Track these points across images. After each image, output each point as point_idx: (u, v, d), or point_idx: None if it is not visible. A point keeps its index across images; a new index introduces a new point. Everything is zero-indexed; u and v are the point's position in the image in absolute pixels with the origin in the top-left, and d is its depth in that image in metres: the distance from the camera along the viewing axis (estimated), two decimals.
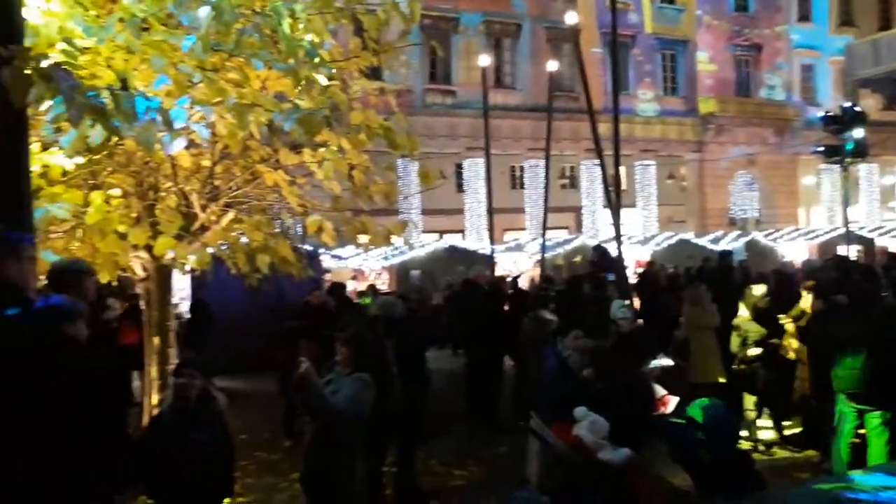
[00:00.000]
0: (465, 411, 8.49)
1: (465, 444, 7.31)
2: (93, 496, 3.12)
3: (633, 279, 12.42)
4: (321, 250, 13.17)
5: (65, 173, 4.76)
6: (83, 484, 3.00)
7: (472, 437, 7.60)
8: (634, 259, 17.83)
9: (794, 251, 21.19)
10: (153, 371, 5.60)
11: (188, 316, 10.65)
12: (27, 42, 3.54)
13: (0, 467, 2.78)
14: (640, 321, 7.49)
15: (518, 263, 18.12)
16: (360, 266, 16.59)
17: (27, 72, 2.89)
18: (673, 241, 19.71)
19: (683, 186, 31.16)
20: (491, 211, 17.34)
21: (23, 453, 2.80)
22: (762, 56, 32.35)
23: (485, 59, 17.29)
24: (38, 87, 2.98)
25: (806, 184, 33.08)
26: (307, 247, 9.72)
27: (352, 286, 14.91)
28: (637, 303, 9.46)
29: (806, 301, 7.12)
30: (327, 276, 13.96)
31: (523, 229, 25.41)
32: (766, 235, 22.85)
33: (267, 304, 10.99)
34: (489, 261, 15.90)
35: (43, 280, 4.04)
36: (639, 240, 21.09)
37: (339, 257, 15.45)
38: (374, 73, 6.65)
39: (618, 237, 9.96)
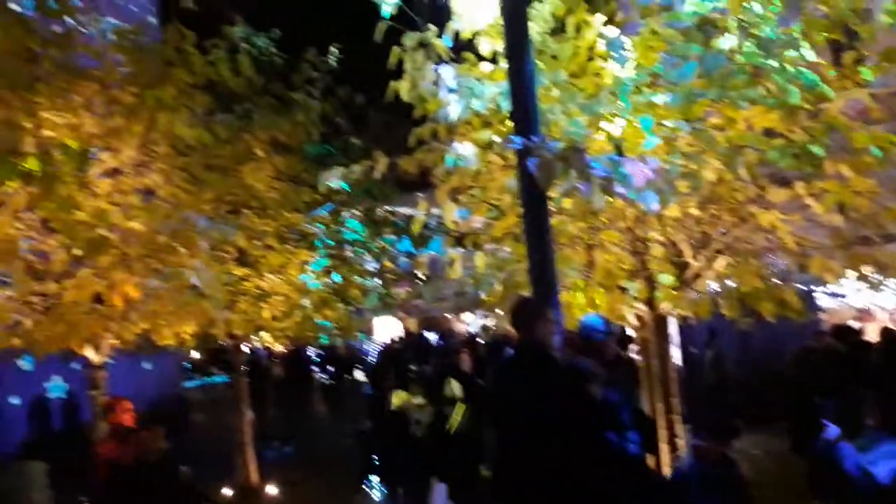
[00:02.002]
0: None
1: None
2: None
3: None
4: (814, 287, 11.84)
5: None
6: None
7: None
8: None
9: None
10: (659, 420, 5.73)
11: (680, 364, 10.70)
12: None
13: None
14: None
15: None
16: (866, 304, 14.28)
17: (550, 158, 3.35)
18: None
19: None
20: None
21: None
22: None
23: None
24: (558, 170, 3.42)
25: None
26: (798, 285, 8.83)
27: (856, 328, 12.96)
28: None
29: None
30: (823, 317, 12.43)
31: None
32: None
33: (760, 350, 10.38)
34: None
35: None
36: None
37: (838, 295, 13.61)
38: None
39: None
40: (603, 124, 4.75)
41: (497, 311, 6.33)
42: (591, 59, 5.56)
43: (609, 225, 5.85)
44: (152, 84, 5.43)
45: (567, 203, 4.65)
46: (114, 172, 5.90)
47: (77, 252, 5.37)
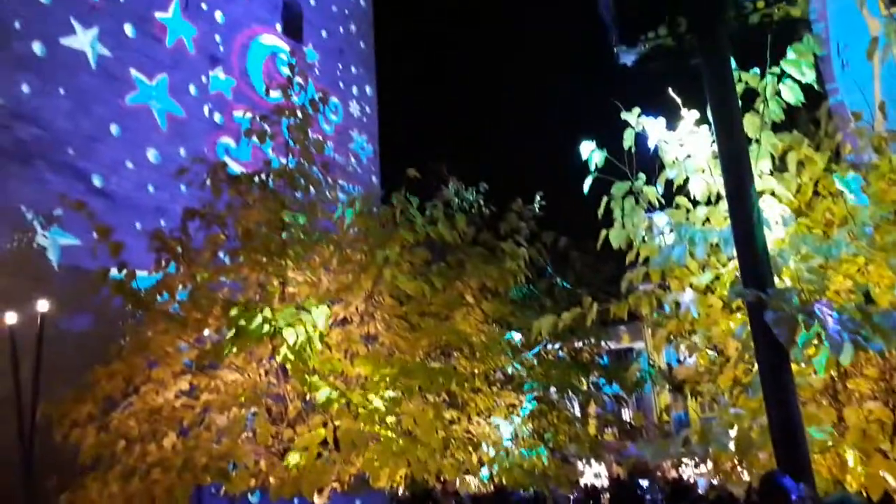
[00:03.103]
0: None
1: None
2: None
3: None
4: None
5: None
6: None
7: None
8: None
9: None
10: None
11: None
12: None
13: None
14: None
15: None
16: None
17: (791, 312, 3.08)
18: None
19: None
20: None
21: None
22: None
23: None
24: (801, 324, 3.12)
25: None
26: None
27: None
28: None
29: None
30: None
31: None
32: None
33: None
34: None
35: None
36: None
37: None
38: None
39: None
40: (842, 267, 4.33)
41: (726, 467, 5.72)
42: (816, 194, 5.20)
43: (855, 372, 5.18)
44: (380, 243, 5.95)
45: (810, 351, 4.21)
46: (343, 322, 6.41)
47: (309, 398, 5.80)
